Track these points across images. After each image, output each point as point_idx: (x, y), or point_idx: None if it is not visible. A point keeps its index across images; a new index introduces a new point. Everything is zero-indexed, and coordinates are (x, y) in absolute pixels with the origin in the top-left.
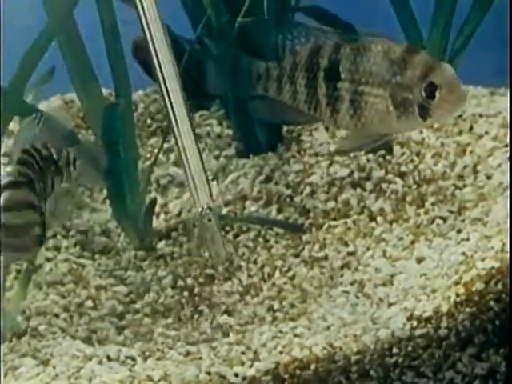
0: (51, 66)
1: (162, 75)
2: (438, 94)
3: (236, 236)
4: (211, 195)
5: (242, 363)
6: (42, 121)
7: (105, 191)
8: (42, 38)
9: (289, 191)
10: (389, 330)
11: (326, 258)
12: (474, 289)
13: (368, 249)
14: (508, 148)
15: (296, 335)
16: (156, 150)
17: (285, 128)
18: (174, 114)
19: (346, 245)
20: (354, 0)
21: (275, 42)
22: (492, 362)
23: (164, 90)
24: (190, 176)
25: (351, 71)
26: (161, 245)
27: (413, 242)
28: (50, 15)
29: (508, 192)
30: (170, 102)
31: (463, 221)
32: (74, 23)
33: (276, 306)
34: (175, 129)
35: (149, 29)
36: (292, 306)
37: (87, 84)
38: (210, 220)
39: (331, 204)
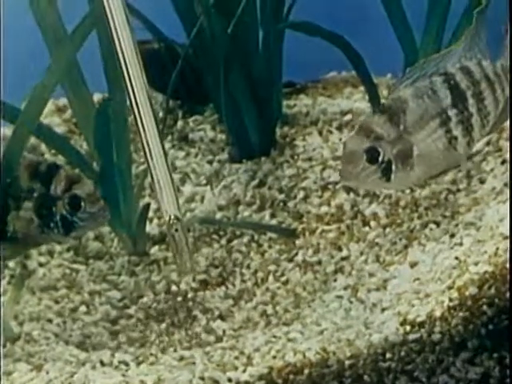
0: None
1: (130, 82)
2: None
3: (229, 241)
4: (178, 205)
5: (236, 368)
6: None
7: None
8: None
9: (282, 196)
10: (382, 335)
11: (319, 262)
12: (467, 293)
13: (361, 253)
14: (502, 151)
15: (289, 340)
16: None
17: (278, 133)
18: (141, 123)
19: (340, 249)
20: (347, 4)
21: None
22: (485, 367)
23: (132, 99)
24: (158, 186)
25: None
26: (154, 250)
27: (406, 247)
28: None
29: (507, 195)
30: (138, 111)
31: (456, 225)
32: (64, 29)
33: (269, 310)
34: (143, 138)
35: (114, 28)
36: (285, 310)
37: (77, 90)
38: (177, 230)
39: (324, 209)
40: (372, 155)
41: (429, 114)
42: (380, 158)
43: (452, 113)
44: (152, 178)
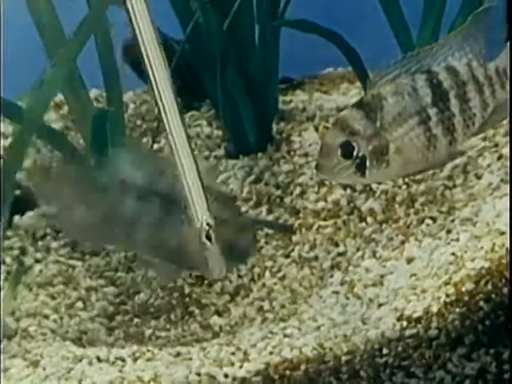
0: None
1: (156, 83)
2: None
3: None
4: (210, 212)
5: (232, 364)
6: None
7: None
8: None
9: (279, 192)
10: (379, 331)
11: (315, 258)
12: (463, 289)
13: (358, 249)
14: (498, 147)
15: (286, 336)
16: None
17: (274, 128)
18: (169, 127)
19: (336, 245)
20: (344, 1)
21: None
22: (482, 362)
23: (160, 106)
24: (188, 191)
25: None
26: None
27: (403, 243)
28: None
29: (504, 191)
30: (166, 117)
31: (453, 221)
32: (60, 26)
33: (266, 306)
34: (172, 144)
35: (139, 30)
36: (282, 306)
37: (73, 86)
38: (209, 238)
39: (321, 204)
40: (346, 150)
41: (407, 112)
42: (354, 153)
43: (432, 112)
44: (182, 182)
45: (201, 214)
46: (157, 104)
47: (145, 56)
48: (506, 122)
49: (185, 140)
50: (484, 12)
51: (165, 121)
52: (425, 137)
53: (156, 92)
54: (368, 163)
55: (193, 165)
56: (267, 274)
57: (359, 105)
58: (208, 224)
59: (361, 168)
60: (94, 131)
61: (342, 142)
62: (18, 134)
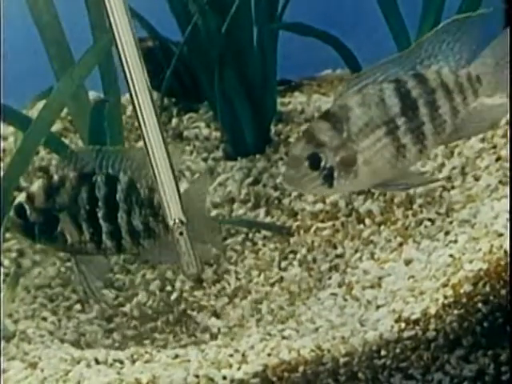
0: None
1: (134, 87)
2: None
3: (224, 239)
4: (183, 209)
5: (230, 366)
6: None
7: None
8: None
9: (277, 193)
10: (377, 332)
11: (314, 260)
12: (461, 291)
13: (356, 251)
14: (496, 148)
15: (284, 338)
16: None
17: (273, 130)
18: (144, 126)
19: (334, 247)
20: (342, 1)
21: None
22: (480, 364)
23: (136, 104)
24: (162, 190)
25: None
26: None
27: (401, 244)
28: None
29: (502, 193)
30: (141, 114)
31: (451, 223)
32: (61, 28)
33: (264, 308)
34: (146, 142)
35: (118, 35)
36: (280, 308)
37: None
38: (181, 233)
39: (319, 206)
40: (314, 161)
41: (374, 122)
42: (322, 164)
43: (401, 121)
44: (156, 181)
45: (174, 211)
46: (133, 104)
47: (122, 57)
48: (503, 123)
49: (160, 138)
50: (457, 20)
51: (140, 121)
52: (393, 147)
53: (132, 92)
54: (335, 174)
55: (166, 163)
56: (265, 276)
57: (325, 116)
58: (181, 221)
59: (328, 179)
60: (93, 123)
61: (309, 154)
62: (23, 141)
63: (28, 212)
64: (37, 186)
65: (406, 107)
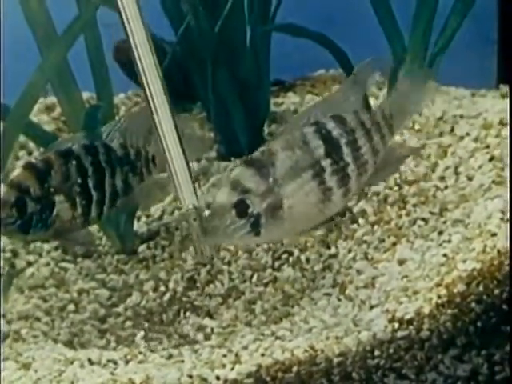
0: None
1: (145, 77)
2: None
3: None
4: (196, 195)
5: (224, 366)
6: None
7: None
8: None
9: None
10: (370, 332)
11: (307, 260)
12: (455, 290)
13: (349, 251)
14: (490, 148)
15: (278, 338)
16: None
17: (266, 130)
18: (157, 116)
19: (328, 247)
20: (335, 3)
21: None
22: (474, 364)
23: (148, 93)
24: (175, 176)
25: None
26: (142, 248)
27: (394, 244)
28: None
29: (495, 192)
30: (154, 105)
31: (444, 222)
32: (53, 27)
33: (258, 308)
34: (159, 130)
35: (131, 31)
36: (274, 308)
37: (67, 88)
38: (195, 219)
39: None
40: (241, 208)
41: (299, 166)
42: (249, 211)
43: (326, 163)
44: (169, 167)
45: (187, 198)
46: (147, 101)
47: (136, 57)
48: (496, 123)
49: (172, 127)
50: (366, 65)
51: (153, 109)
52: (319, 190)
53: (147, 89)
54: (263, 220)
55: (179, 149)
56: (258, 276)
57: (249, 162)
58: (194, 207)
59: (255, 227)
60: (86, 127)
61: (236, 201)
62: (2, 133)
63: (28, 204)
64: (25, 175)
65: (329, 148)
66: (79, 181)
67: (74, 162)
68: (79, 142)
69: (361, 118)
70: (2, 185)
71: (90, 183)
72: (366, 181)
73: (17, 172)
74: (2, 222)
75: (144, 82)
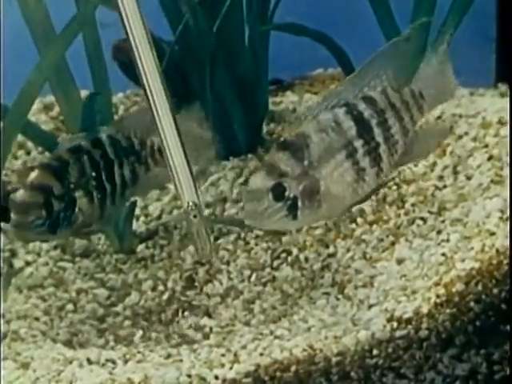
0: None
1: (145, 75)
2: None
3: (216, 238)
4: (197, 192)
5: (223, 365)
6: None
7: None
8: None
9: None
10: (369, 332)
11: (306, 259)
12: (454, 290)
13: (348, 250)
14: (488, 147)
15: (276, 337)
16: None
17: (264, 130)
18: (157, 113)
19: (327, 246)
20: (333, 2)
21: None
22: (473, 363)
23: (148, 91)
24: (175, 173)
25: None
26: (141, 247)
27: (393, 243)
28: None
29: (493, 192)
30: (154, 103)
31: (443, 221)
32: (51, 25)
33: (256, 308)
34: (159, 128)
35: (131, 30)
36: (272, 308)
37: (65, 87)
38: (195, 216)
39: None
40: (278, 192)
41: (333, 147)
42: (286, 195)
43: (358, 144)
44: (168, 164)
45: (188, 194)
46: (148, 99)
47: (136, 56)
48: (494, 122)
49: (172, 124)
50: (397, 42)
51: (152, 107)
52: (353, 170)
53: (147, 87)
54: (300, 204)
55: (179, 146)
56: (257, 275)
57: (284, 146)
58: (194, 204)
59: (292, 210)
60: (84, 118)
61: (273, 185)
62: (9, 113)
63: (54, 203)
64: (44, 175)
65: (361, 129)
66: (93, 174)
67: (85, 157)
68: (83, 138)
69: (390, 97)
70: (1, 184)
71: (103, 176)
72: (397, 161)
73: (34, 174)
74: (29, 225)
75: (144, 79)
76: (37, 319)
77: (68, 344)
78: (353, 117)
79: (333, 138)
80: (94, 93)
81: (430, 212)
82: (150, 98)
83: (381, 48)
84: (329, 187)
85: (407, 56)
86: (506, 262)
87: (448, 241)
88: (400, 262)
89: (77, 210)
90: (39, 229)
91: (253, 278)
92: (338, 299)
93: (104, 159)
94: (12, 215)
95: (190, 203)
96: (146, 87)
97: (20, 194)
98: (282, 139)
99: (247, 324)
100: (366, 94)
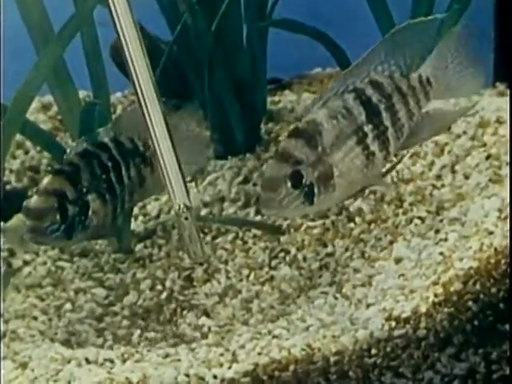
0: None
1: (137, 77)
2: None
3: (214, 238)
4: (188, 194)
5: (221, 365)
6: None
7: None
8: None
9: None
10: (367, 331)
11: (304, 259)
12: (452, 289)
13: (346, 249)
14: (486, 146)
15: (275, 336)
16: None
17: (263, 129)
18: (148, 115)
19: (325, 246)
20: (331, 1)
21: None
22: (471, 363)
23: (139, 92)
24: (167, 175)
25: None
26: (139, 247)
27: (391, 243)
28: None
29: (492, 191)
30: (145, 104)
31: (441, 221)
32: (49, 25)
33: (254, 307)
34: (150, 130)
35: (122, 30)
36: (271, 307)
37: (63, 86)
38: (186, 218)
39: None
40: (296, 180)
41: (345, 133)
42: (303, 182)
43: (368, 128)
44: (160, 166)
45: (179, 196)
46: (139, 102)
47: (127, 55)
48: (493, 121)
49: (163, 126)
50: (410, 25)
51: (143, 108)
52: (364, 155)
53: (138, 90)
54: (316, 190)
55: (170, 148)
56: (255, 274)
57: (296, 133)
58: (186, 206)
59: (309, 196)
60: (83, 124)
61: (290, 173)
62: (8, 112)
63: (68, 208)
64: (57, 180)
65: (370, 114)
66: (104, 177)
67: (95, 161)
68: (88, 142)
69: (397, 82)
70: (1, 184)
71: (113, 178)
72: (403, 144)
73: (47, 179)
74: (45, 231)
75: (135, 82)
76: (35, 319)
77: (66, 343)
78: (362, 102)
79: (344, 124)
80: (92, 101)
81: (428, 211)
82: (142, 100)
83: (392, 30)
84: (341, 172)
85: (422, 40)
86: (504, 261)
87: (446, 240)
88: (398, 261)
89: (90, 213)
90: (55, 234)
91: (251, 278)
92: (336, 298)
93: (112, 161)
94: (27, 221)
95: (181, 205)
96: (138, 89)
97: (34, 200)
98: (293, 127)
99: (245, 323)
100: (373, 78)
